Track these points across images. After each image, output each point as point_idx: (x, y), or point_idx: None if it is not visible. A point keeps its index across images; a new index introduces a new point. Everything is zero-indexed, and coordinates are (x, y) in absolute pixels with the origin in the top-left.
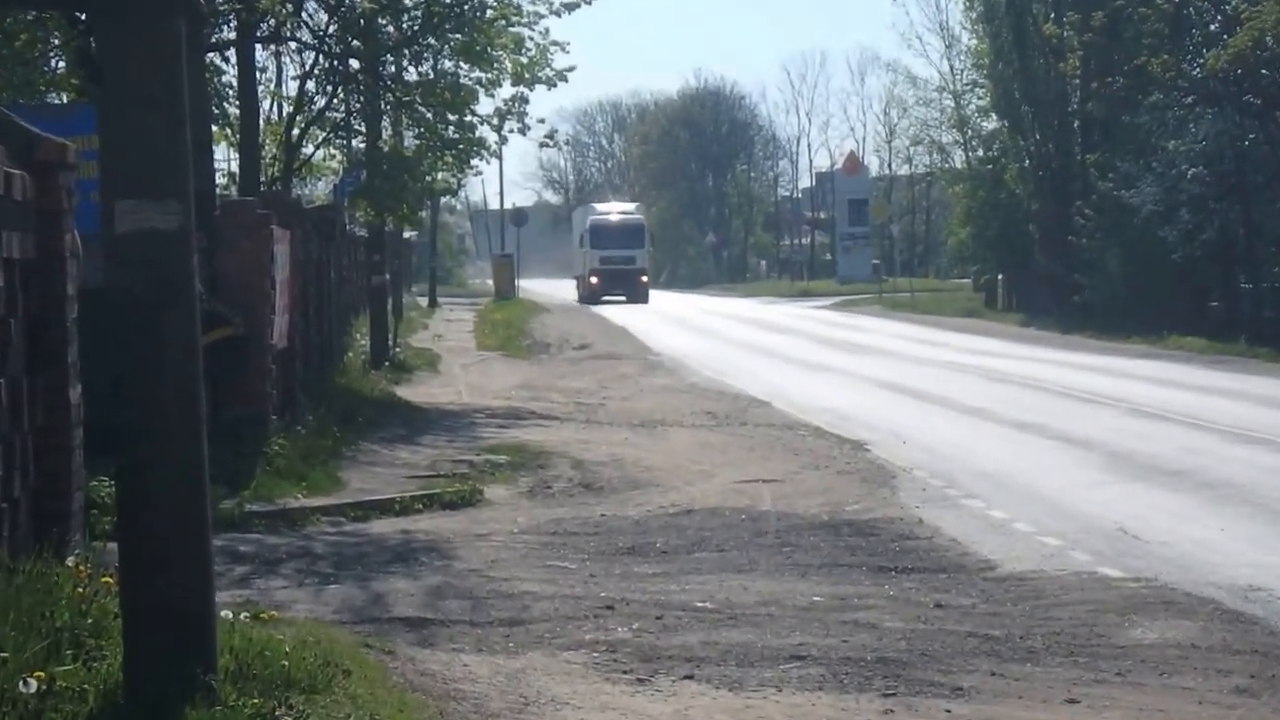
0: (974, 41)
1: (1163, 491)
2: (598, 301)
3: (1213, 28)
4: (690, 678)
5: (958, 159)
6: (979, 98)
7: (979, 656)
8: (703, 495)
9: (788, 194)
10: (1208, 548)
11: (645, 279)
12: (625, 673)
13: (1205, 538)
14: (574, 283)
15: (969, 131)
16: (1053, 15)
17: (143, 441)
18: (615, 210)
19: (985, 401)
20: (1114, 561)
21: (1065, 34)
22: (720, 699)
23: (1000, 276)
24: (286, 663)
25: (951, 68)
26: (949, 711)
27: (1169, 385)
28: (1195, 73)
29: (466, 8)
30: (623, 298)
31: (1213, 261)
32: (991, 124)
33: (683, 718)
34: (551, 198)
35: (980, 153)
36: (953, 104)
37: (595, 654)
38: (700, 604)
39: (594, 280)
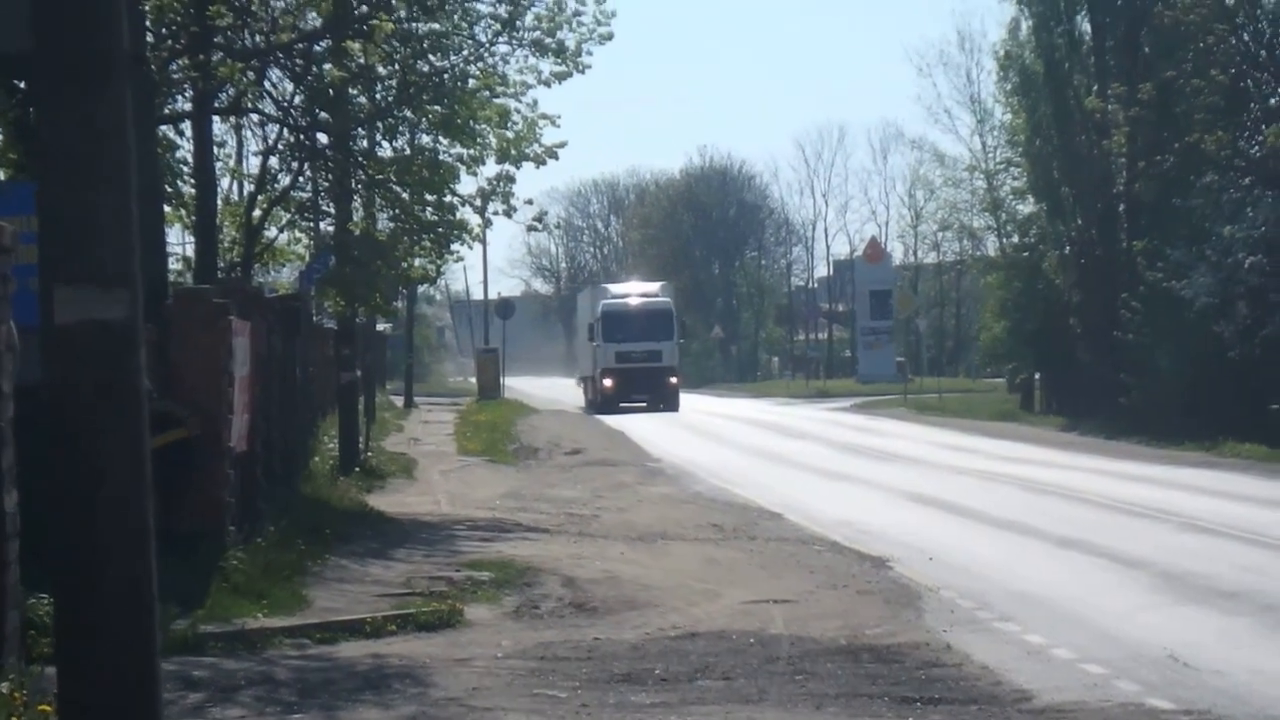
0: (1008, 116)
1: (1218, 615)
2: (613, 409)
3: (1273, 102)
4: None
5: (991, 246)
6: (1014, 178)
7: None
8: (708, 617)
9: (803, 284)
10: (1266, 677)
11: (675, 380)
12: None
13: (1264, 666)
14: (578, 384)
15: (1003, 215)
16: (1096, 87)
17: (82, 557)
18: (635, 292)
19: (1022, 515)
20: (1164, 692)
21: (1110, 108)
22: None
23: (1038, 376)
24: None
25: (984, 145)
26: None
27: (1226, 497)
28: (1254, 151)
29: (446, 77)
30: (645, 404)
31: (1273, 360)
32: (1028, 207)
33: None
34: (541, 287)
35: (1016, 239)
36: (985, 185)
37: None
38: None
39: (607, 382)
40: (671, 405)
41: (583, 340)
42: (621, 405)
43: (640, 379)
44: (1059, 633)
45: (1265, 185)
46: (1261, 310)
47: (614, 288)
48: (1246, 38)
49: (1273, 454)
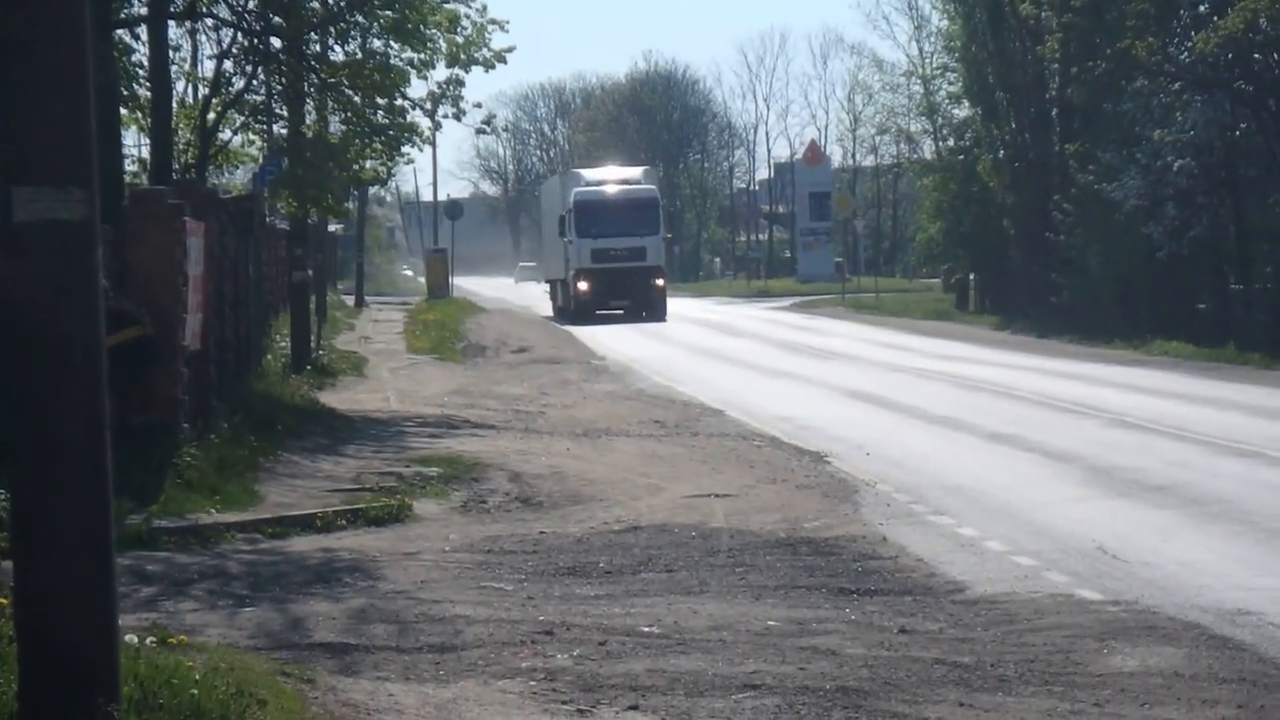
0: (945, 22)
1: (1146, 508)
2: (588, 317)
3: (1202, 9)
4: (635, 708)
5: (927, 149)
6: (950, 83)
7: (946, 685)
8: (650, 511)
9: (744, 186)
10: (1193, 568)
11: (661, 283)
12: (565, 703)
13: (1191, 558)
14: (545, 287)
15: (939, 119)
16: None
17: (40, 452)
18: (613, 178)
19: (956, 411)
20: (1093, 583)
21: (1044, 15)
22: None
23: (972, 276)
24: (196, 691)
25: (921, 51)
26: None
27: (1154, 394)
28: (1183, 57)
29: None
30: (625, 310)
31: (1201, 261)
32: (964, 111)
33: None
34: (489, 189)
35: (951, 142)
36: (922, 90)
37: (533, 683)
38: (646, 629)
39: (582, 285)
40: (657, 313)
41: (550, 236)
42: (599, 312)
43: (620, 281)
44: (991, 525)
45: (1194, 90)
46: (1189, 212)
47: (588, 173)
48: None
49: (1199, 352)
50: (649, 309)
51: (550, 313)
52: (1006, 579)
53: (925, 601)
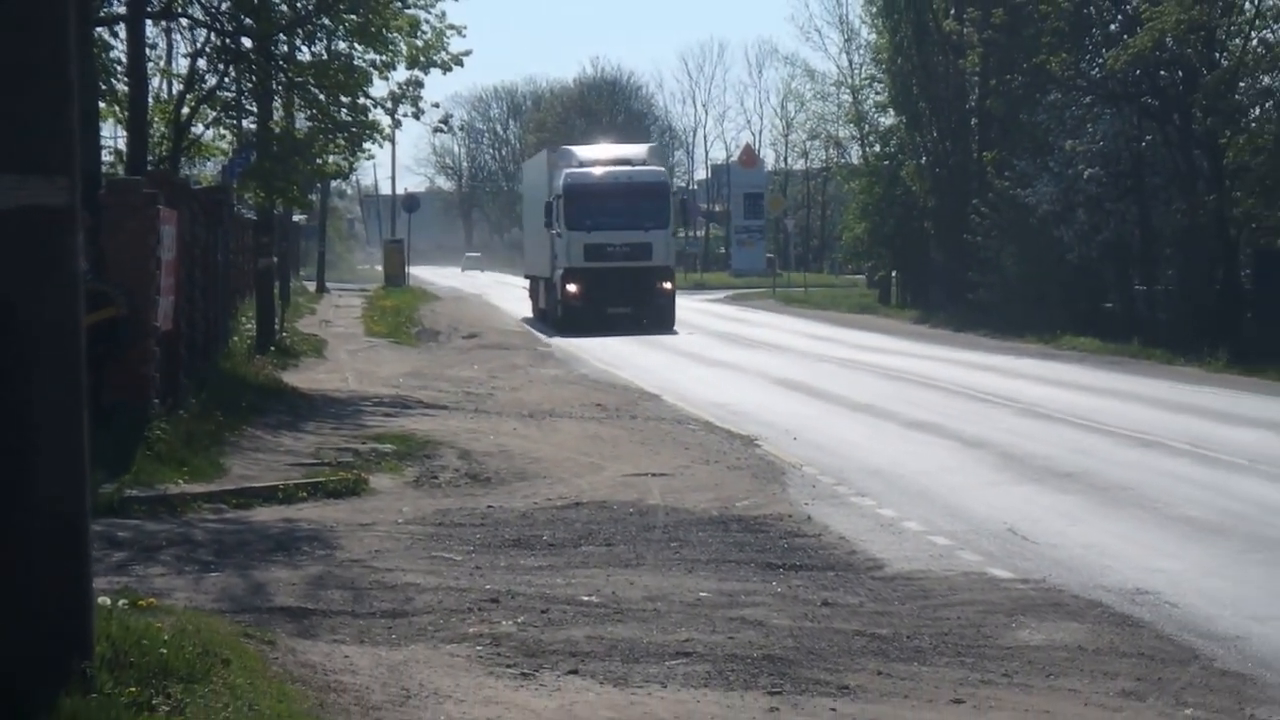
0: (873, 36)
1: (1054, 493)
2: (580, 327)
3: (1113, 28)
4: (575, 672)
5: (854, 154)
6: (877, 93)
7: (866, 655)
8: (591, 488)
9: (683, 185)
10: (1097, 550)
11: (669, 286)
12: (509, 667)
13: (1095, 540)
14: (524, 285)
15: (866, 127)
16: (953, 11)
17: (21, 422)
18: (610, 157)
19: (878, 399)
20: (1003, 562)
21: (965, 30)
22: (605, 694)
23: (895, 273)
24: (165, 651)
25: (850, 62)
26: (834, 710)
27: (1062, 386)
28: (1094, 72)
29: None
30: (627, 315)
31: (1108, 262)
32: (889, 120)
33: (567, 713)
34: (444, 184)
35: (877, 148)
36: (850, 99)
37: (479, 647)
38: (586, 598)
39: (572, 288)
40: (664, 322)
41: (534, 225)
42: (589, 321)
43: (619, 284)
44: (909, 507)
45: (1104, 103)
46: (1098, 217)
47: (582, 151)
48: None
49: (1105, 347)
50: (654, 318)
51: (528, 314)
52: (923, 557)
53: (847, 577)
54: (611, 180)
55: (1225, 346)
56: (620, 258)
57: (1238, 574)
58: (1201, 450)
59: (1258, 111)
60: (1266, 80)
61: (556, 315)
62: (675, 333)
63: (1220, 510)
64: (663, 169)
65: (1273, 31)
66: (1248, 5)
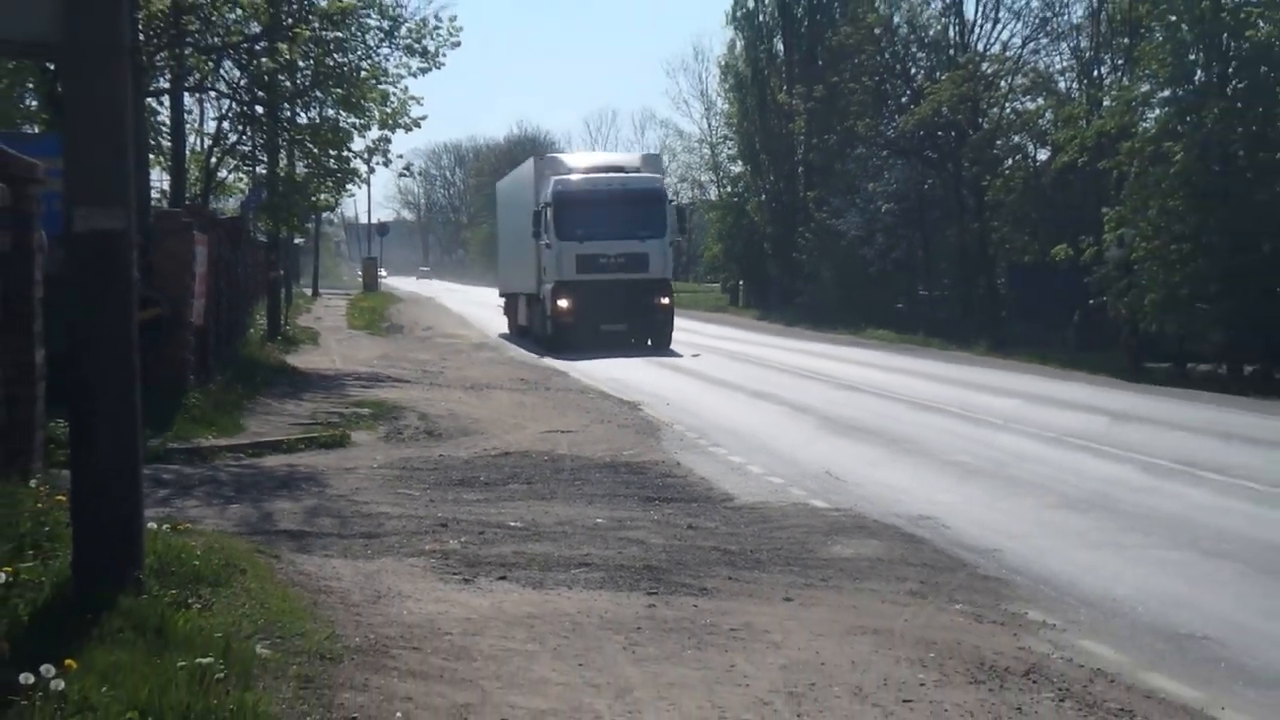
0: (726, 105)
1: (859, 445)
2: (572, 345)
3: (904, 99)
4: (504, 578)
5: (712, 193)
6: (729, 148)
7: (720, 565)
8: (516, 442)
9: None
10: (892, 487)
11: (667, 301)
12: (455, 574)
13: (890, 480)
14: (499, 302)
15: (721, 174)
16: (785, 87)
17: (91, 391)
18: (603, 164)
19: (728, 375)
20: (822, 496)
21: (794, 101)
22: (526, 594)
23: (741, 282)
24: (197, 563)
25: (709, 125)
26: (696, 606)
27: (866, 366)
28: (890, 133)
29: (346, 69)
30: (621, 332)
31: (900, 274)
32: (738, 168)
33: (497, 608)
34: (407, 215)
35: (729, 189)
36: (709, 153)
37: (432, 560)
38: (513, 524)
39: (563, 303)
40: (661, 340)
41: (511, 238)
42: (580, 339)
43: (614, 299)
44: (753, 455)
45: (897, 156)
46: (892, 240)
47: (571, 159)
48: (887, 56)
49: (898, 337)
50: (652, 335)
51: (504, 331)
52: (763, 492)
53: (706, 507)
54: (605, 187)
55: (987, 337)
56: (615, 269)
57: (996, 505)
58: (969, 413)
59: (1010, 162)
60: (1016, 139)
61: (545, 333)
62: (677, 354)
63: (983, 458)
64: (659, 176)
65: (1022, 104)
66: (1003, 84)
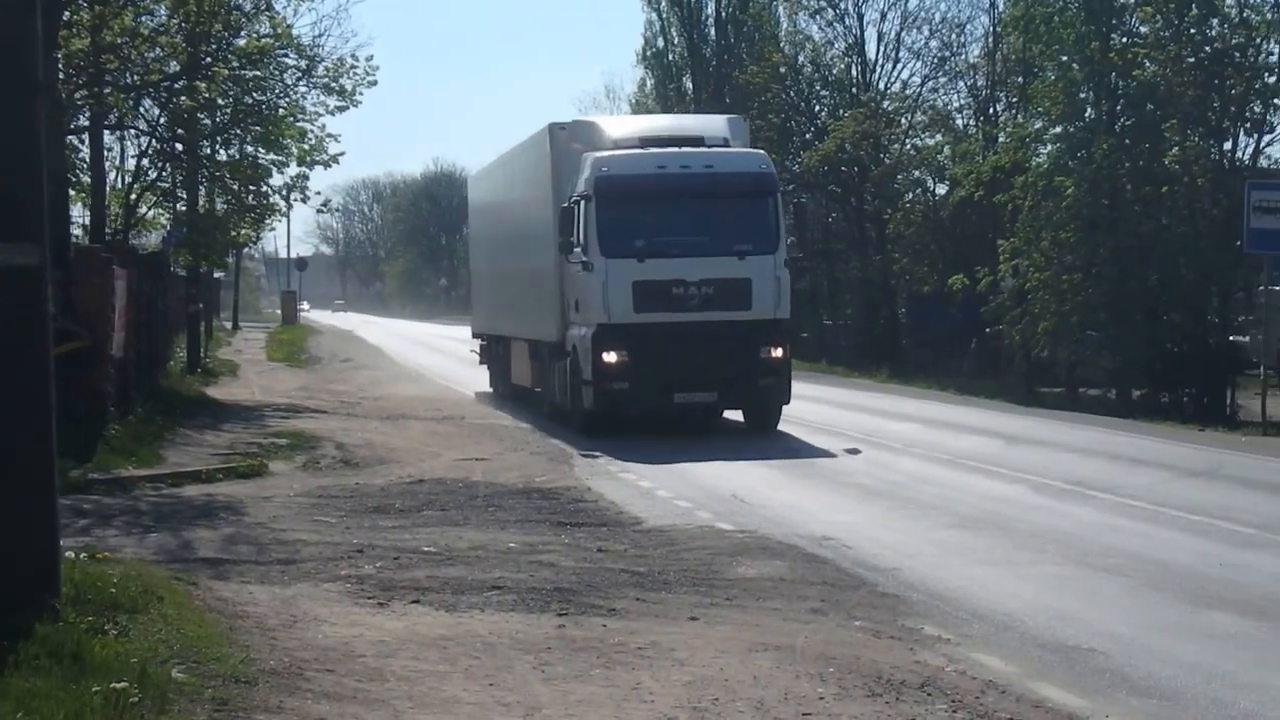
0: None
1: (763, 469)
2: (615, 424)
3: (808, 136)
4: (418, 602)
5: None
6: None
7: (628, 586)
8: (431, 469)
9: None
10: (795, 509)
11: (780, 354)
12: (370, 598)
13: (793, 502)
14: (472, 345)
15: None
16: None
17: (6, 424)
18: (669, 134)
19: None
20: (728, 519)
21: None
22: (439, 617)
23: None
24: (114, 590)
25: None
26: (605, 626)
27: None
28: (796, 168)
29: (264, 107)
30: (708, 404)
31: (806, 304)
32: None
33: (410, 630)
34: (325, 249)
35: None
36: None
37: (348, 585)
38: (427, 549)
39: (612, 356)
40: (770, 416)
41: (509, 251)
42: (639, 415)
43: (696, 351)
44: (662, 480)
45: (804, 190)
46: (798, 272)
47: (612, 125)
48: (792, 94)
49: (802, 365)
50: (756, 409)
51: (483, 389)
52: (670, 515)
53: (616, 530)
54: (679, 170)
55: (888, 364)
56: (697, 305)
57: (894, 525)
58: (870, 438)
59: (910, 196)
60: (916, 174)
61: (580, 404)
62: (777, 423)
63: (883, 480)
64: (762, 152)
65: (921, 140)
66: (903, 120)
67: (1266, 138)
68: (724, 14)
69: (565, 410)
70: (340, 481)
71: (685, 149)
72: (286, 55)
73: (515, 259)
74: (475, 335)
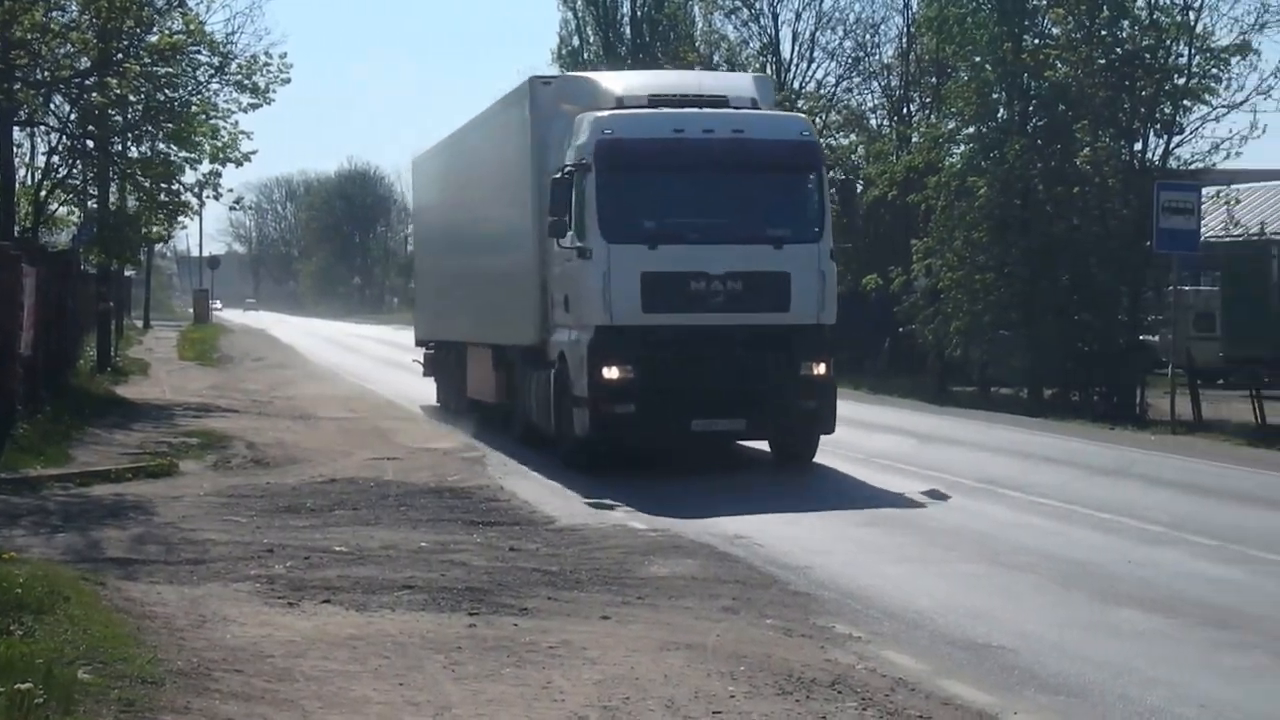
0: None
1: (674, 472)
2: (615, 456)
3: None
4: (328, 601)
5: None
6: None
7: (540, 585)
8: (343, 469)
9: (414, 249)
10: (706, 508)
11: (823, 370)
12: (280, 598)
13: (704, 502)
14: (414, 357)
15: None
16: None
17: None
18: (684, 92)
19: None
20: (640, 517)
21: None
22: (350, 617)
23: None
24: (20, 590)
25: None
26: (516, 625)
27: None
28: None
29: (176, 104)
30: (735, 431)
31: None
32: None
33: (321, 630)
34: (239, 248)
35: None
36: None
37: (258, 584)
38: (338, 548)
39: (614, 371)
40: (807, 447)
41: (471, 237)
42: (649, 446)
43: (720, 364)
44: (572, 480)
45: None
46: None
47: (612, 80)
48: None
49: None
50: (791, 438)
51: (428, 400)
52: (583, 514)
53: (528, 529)
54: (702, 138)
55: None
56: (722, 305)
57: (807, 523)
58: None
59: None
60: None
61: (572, 431)
62: (814, 450)
63: (793, 482)
64: (803, 116)
65: (836, 139)
66: (818, 120)
67: (1176, 139)
68: (639, 13)
69: (546, 434)
70: (251, 481)
71: (707, 110)
72: (199, 52)
73: (478, 247)
74: (420, 342)
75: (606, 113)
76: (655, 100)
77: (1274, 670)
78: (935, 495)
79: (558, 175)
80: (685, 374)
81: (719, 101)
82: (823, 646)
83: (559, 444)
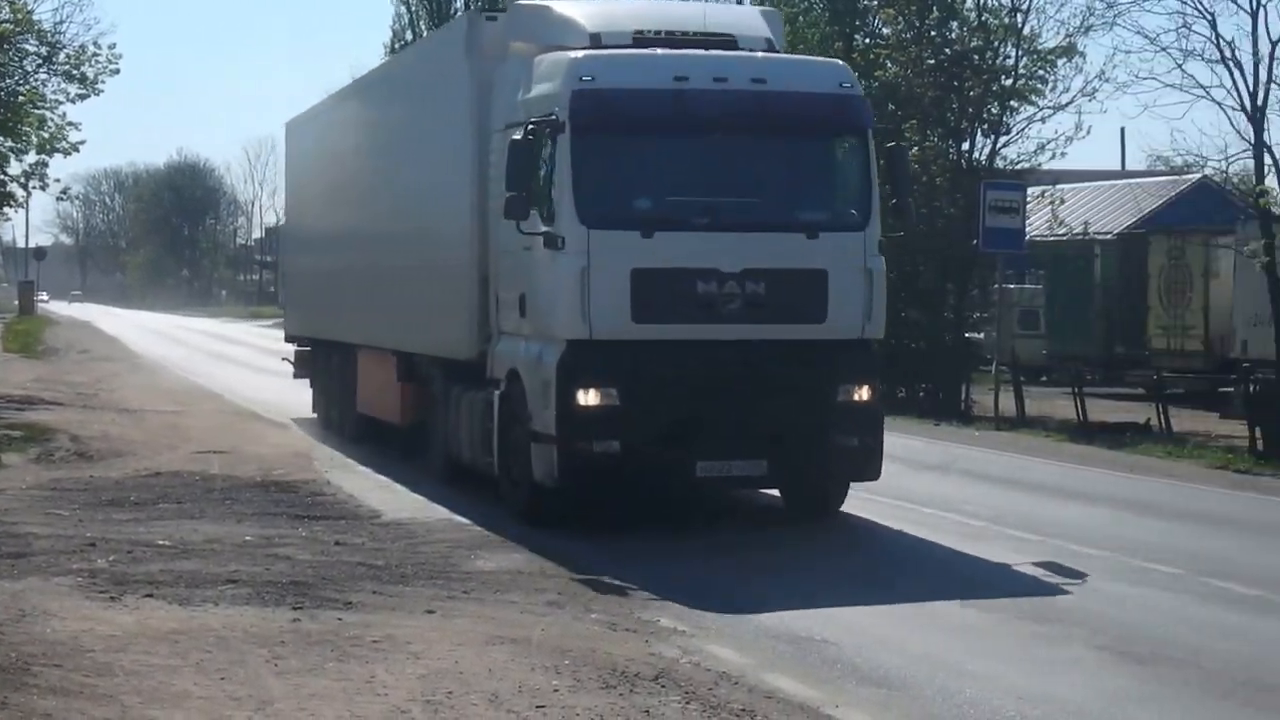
0: None
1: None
2: (581, 509)
3: None
4: (151, 596)
5: None
6: None
7: (365, 580)
8: (169, 462)
9: (244, 242)
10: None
11: (867, 394)
12: (102, 592)
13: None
14: (288, 360)
15: None
16: None
17: None
18: (679, 28)
19: None
20: (467, 513)
21: None
22: (172, 611)
23: None
24: None
25: None
26: (340, 619)
27: None
28: None
29: (3, 93)
30: (754, 477)
31: None
32: None
33: (142, 625)
34: (65, 239)
35: None
36: None
37: (79, 579)
38: (162, 542)
39: (590, 397)
40: (836, 495)
41: (371, 210)
42: (635, 493)
43: (732, 389)
44: (400, 473)
45: None
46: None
47: (587, 18)
48: None
49: None
50: (819, 484)
51: (300, 411)
52: (410, 508)
53: (354, 523)
54: (712, 89)
55: None
56: (737, 314)
57: (635, 520)
58: None
59: None
60: None
61: (529, 475)
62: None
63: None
64: (842, 63)
65: None
66: None
67: (1003, 139)
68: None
69: (485, 473)
70: (75, 474)
71: (714, 53)
72: (26, 41)
73: (382, 227)
74: (291, 339)
75: (582, 52)
76: (642, 39)
77: (1090, 661)
78: None
79: (518, 136)
80: (688, 403)
81: (726, 42)
82: (647, 640)
83: (507, 493)
